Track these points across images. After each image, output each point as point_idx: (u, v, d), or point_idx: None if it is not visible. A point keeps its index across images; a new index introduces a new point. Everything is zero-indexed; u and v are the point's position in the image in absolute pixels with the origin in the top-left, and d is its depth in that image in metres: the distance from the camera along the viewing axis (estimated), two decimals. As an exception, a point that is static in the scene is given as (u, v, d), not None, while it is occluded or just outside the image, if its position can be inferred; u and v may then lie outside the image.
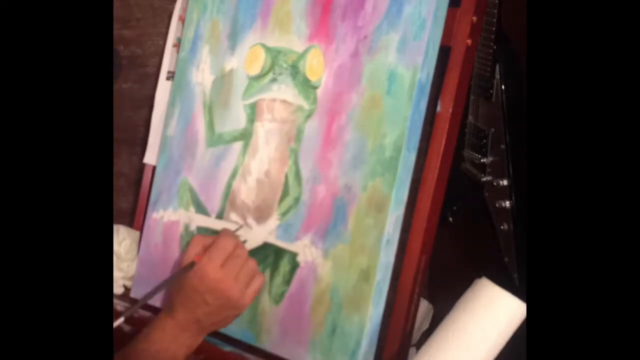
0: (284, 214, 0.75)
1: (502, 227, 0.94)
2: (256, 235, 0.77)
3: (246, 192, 0.79)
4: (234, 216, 0.79)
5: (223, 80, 0.82)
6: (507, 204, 0.92)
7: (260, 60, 0.79)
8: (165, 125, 0.87)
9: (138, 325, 0.72)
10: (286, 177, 0.76)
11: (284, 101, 0.77)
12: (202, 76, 0.84)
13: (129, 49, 0.99)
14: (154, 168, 0.89)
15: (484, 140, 0.94)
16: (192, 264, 0.68)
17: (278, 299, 0.74)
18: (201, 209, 0.82)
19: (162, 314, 0.70)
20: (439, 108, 0.70)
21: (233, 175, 0.80)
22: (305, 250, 0.73)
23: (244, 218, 0.78)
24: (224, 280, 0.68)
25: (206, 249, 0.70)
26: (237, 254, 0.69)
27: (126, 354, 0.67)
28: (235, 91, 0.81)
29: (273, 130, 0.77)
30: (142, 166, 0.93)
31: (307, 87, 0.76)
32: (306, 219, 0.74)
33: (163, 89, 0.92)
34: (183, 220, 0.83)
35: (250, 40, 0.80)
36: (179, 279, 0.70)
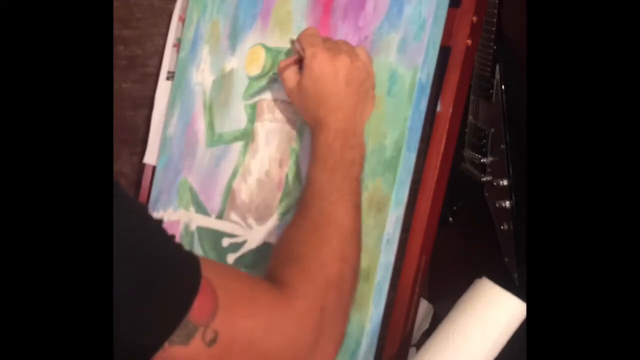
0: (284, 214, 0.75)
1: (502, 227, 0.94)
2: (256, 235, 0.77)
3: (246, 192, 0.79)
4: (234, 216, 0.79)
5: (223, 80, 0.82)
6: (507, 204, 0.92)
7: (260, 60, 0.79)
8: (165, 125, 0.87)
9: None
10: (287, 177, 0.76)
11: (284, 101, 0.77)
12: (202, 76, 0.84)
13: (129, 49, 1.00)
14: (154, 168, 0.89)
15: (484, 140, 0.94)
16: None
17: (278, 299, 0.74)
18: (201, 209, 0.82)
19: (315, 135, 0.67)
20: (439, 108, 0.70)
21: (233, 175, 0.80)
22: (306, 250, 0.73)
23: (244, 218, 0.78)
24: (338, 57, 0.66)
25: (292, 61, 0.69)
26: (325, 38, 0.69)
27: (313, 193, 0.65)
28: (235, 91, 0.81)
29: (273, 130, 0.77)
30: (142, 166, 0.93)
31: (307, 87, 0.75)
32: (306, 219, 0.74)
33: (163, 89, 0.92)
34: (183, 220, 0.83)
35: (251, 40, 0.80)
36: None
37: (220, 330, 0.48)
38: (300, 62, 0.69)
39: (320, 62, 0.66)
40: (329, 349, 0.56)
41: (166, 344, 0.46)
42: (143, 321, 0.45)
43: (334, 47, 0.68)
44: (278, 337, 0.52)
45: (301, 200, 0.66)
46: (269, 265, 0.61)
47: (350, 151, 0.66)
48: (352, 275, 0.61)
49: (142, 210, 0.50)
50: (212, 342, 0.47)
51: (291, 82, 0.70)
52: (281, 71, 0.71)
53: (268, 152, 0.77)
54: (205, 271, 0.48)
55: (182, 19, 0.90)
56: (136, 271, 0.46)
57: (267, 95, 0.78)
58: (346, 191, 0.64)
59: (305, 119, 0.71)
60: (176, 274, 0.48)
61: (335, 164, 0.65)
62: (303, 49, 0.68)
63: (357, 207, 0.65)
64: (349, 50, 0.68)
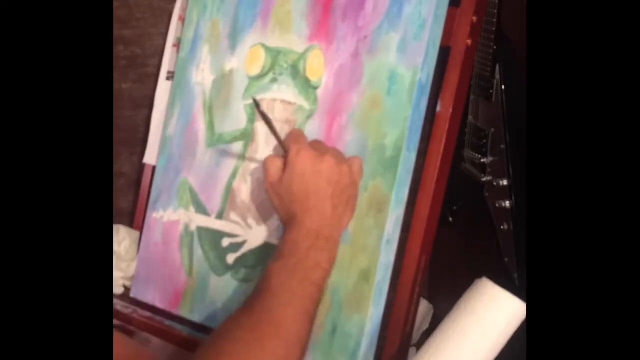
0: (284, 214, 0.75)
1: (502, 227, 0.94)
2: (256, 235, 0.77)
3: (246, 192, 0.79)
4: (234, 216, 0.79)
5: (223, 80, 0.82)
6: (507, 204, 0.92)
7: (260, 60, 0.79)
8: (165, 125, 0.87)
9: (138, 326, 0.72)
10: (286, 177, 0.76)
11: (284, 101, 0.77)
12: (202, 76, 0.84)
13: (129, 49, 0.99)
14: (154, 168, 0.89)
15: (484, 140, 0.94)
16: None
17: (278, 299, 0.74)
18: (201, 209, 0.82)
19: (286, 233, 0.65)
20: (439, 108, 0.70)
21: (233, 175, 0.80)
22: (306, 250, 0.73)
23: (244, 218, 0.78)
24: (323, 157, 0.65)
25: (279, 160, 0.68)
26: (316, 141, 0.69)
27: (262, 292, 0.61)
28: (235, 91, 0.81)
29: (273, 130, 0.77)
30: (142, 166, 0.93)
31: (307, 87, 0.76)
32: (306, 219, 0.74)
33: (163, 89, 0.92)
34: (183, 220, 0.83)
35: (251, 40, 0.80)
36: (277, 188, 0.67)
37: None
38: (285, 159, 0.68)
39: (303, 159, 0.65)
40: None
41: None
42: None
43: (321, 147, 0.68)
44: None
45: (252, 294, 0.63)
46: (201, 348, 0.59)
47: (316, 253, 0.64)
48: None
49: None
50: None
51: (273, 177, 0.68)
52: (266, 164, 0.69)
53: (268, 152, 0.77)
54: None
55: (182, 19, 0.90)
56: None
57: (267, 96, 0.78)
58: (300, 295, 0.61)
59: (280, 215, 0.70)
60: None
61: (297, 264, 0.63)
62: (287, 146, 0.68)
63: (309, 315, 0.61)
64: (337, 154, 0.68)
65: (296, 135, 0.70)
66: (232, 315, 0.61)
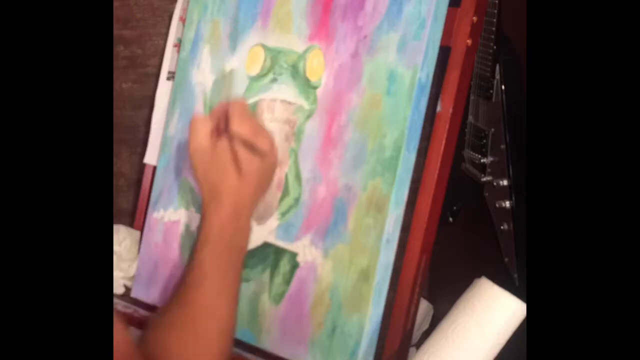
0: (284, 214, 0.75)
1: (502, 227, 0.94)
2: (256, 235, 0.77)
3: (246, 192, 0.79)
4: (234, 216, 0.79)
5: (223, 80, 0.82)
6: (507, 204, 0.92)
7: (260, 60, 0.79)
8: (166, 125, 0.87)
9: (139, 326, 0.72)
10: (286, 177, 0.76)
11: (284, 101, 0.77)
12: (203, 76, 0.84)
13: (129, 49, 1.00)
14: (154, 168, 0.89)
15: (484, 140, 0.94)
16: None
17: (278, 299, 0.74)
18: (201, 209, 0.82)
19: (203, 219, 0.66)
20: (439, 108, 0.70)
21: (233, 175, 0.80)
22: (305, 250, 0.73)
23: (244, 218, 0.78)
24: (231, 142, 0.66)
25: None
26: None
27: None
28: (235, 91, 0.81)
29: (273, 130, 0.77)
30: (143, 166, 0.93)
31: (307, 87, 0.76)
32: (306, 219, 0.74)
33: (163, 89, 0.92)
34: (183, 220, 0.83)
35: (251, 40, 0.80)
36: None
37: None
38: (217, 126, 0.68)
39: (223, 148, 0.66)
40: None
41: None
42: None
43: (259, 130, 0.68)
44: None
45: (182, 284, 0.64)
46: (143, 337, 0.60)
47: (240, 237, 0.65)
48: None
49: None
50: None
51: (199, 142, 0.68)
52: (192, 125, 0.69)
53: (268, 152, 0.77)
54: None
55: (183, 19, 0.90)
56: None
57: (267, 95, 0.78)
58: (231, 281, 0.63)
59: (200, 186, 0.69)
60: None
61: (224, 250, 0.64)
62: (231, 117, 0.67)
63: (236, 299, 0.63)
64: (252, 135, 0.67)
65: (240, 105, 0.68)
66: (166, 308, 0.63)
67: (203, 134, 0.68)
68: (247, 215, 0.67)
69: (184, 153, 0.84)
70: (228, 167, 0.67)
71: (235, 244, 0.64)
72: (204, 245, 0.64)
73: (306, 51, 0.76)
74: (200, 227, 0.67)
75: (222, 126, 0.68)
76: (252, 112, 0.70)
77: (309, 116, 0.75)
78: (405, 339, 0.71)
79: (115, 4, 0.95)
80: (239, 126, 0.67)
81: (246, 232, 0.67)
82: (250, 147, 0.67)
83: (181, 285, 0.64)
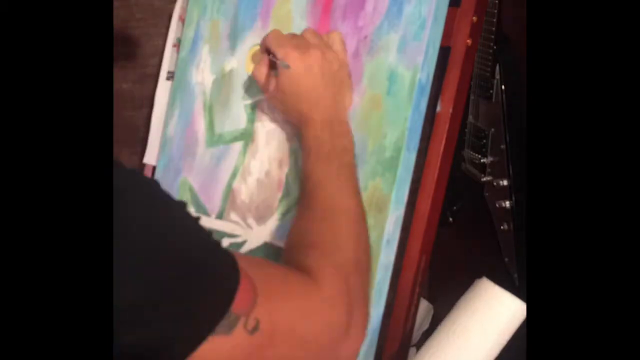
0: (284, 214, 0.75)
1: (502, 227, 0.94)
2: (256, 235, 0.77)
3: (246, 192, 0.79)
4: (234, 216, 0.79)
5: (223, 80, 0.82)
6: (507, 204, 0.92)
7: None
8: (165, 125, 0.87)
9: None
10: (286, 177, 0.76)
11: (284, 101, 0.77)
12: (202, 76, 0.84)
13: (129, 49, 0.99)
14: (154, 168, 0.89)
15: (484, 140, 0.94)
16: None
17: (278, 299, 0.74)
18: (201, 209, 0.82)
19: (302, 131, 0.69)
20: (439, 108, 0.70)
21: (233, 175, 0.80)
22: (306, 250, 0.73)
23: (244, 218, 0.78)
24: (309, 52, 0.68)
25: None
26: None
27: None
28: (235, 91, 0.81)
29: (273, 130, 0.77)
30: (142, 166, 0.93)
31: (307, 87, 0.75)
32: (306, 219, 0.74)
33: (163, 89, 0.92)
34: (183, 220, 0.83)
35: (251, 40, 0.80)
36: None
37: (261, 318, 0.48)
38: (273, 66, 0.70)
39: (293, 61, 0.67)
40: (360, 329, 0.57)
41: (210, 336, 0.46)
42: (188, 314, 0.46)
43: (303, 43, 0.69)
44: (315, 321, 0.53)
45: (303, 194, 0.66)
46: (285, 256, 0.62)
47: (339, 139, 0.67)
48: (367, 257, 0.63)
49: (182, 208, 0.50)
50: (254, 330, 0.48)
51: (267, 86, 0.71)
52: (256, 79, 0.72)
53: (268, 152, 0.77)
54: (241, 263, 0.49)
55: (182, 19, 0.90)
56: (179, 266, 0.46)
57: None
58: (344, 178, 0.65)
59: (289, 119, 0.72)
60: (217, 268, 0.48)
61: (328, 154, 0.66)
62: (274, 53, 0.69)
63: (357, 191, 0.66)
64: (319, 42, 0.70)
65: (277, 37, 0.70)
66: (298, 216, 0.65)
67: (265, 77, 0.71)
68: (339, 119, 0.69)
69: (184, 153, 0.84)
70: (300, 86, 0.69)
71: (338, 147, 0.67)
72: (308, 157, 0.67)
73: (306, 51, 0.76)
74: (302, 144, 0.69)
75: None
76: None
77: (309, 116, 0.75)
78: (405, 339, 0.71)
79: (116, 4, 0.95)
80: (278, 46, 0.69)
81: (345, 134, 0.69)
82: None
83: (302, 196, 0.67)
